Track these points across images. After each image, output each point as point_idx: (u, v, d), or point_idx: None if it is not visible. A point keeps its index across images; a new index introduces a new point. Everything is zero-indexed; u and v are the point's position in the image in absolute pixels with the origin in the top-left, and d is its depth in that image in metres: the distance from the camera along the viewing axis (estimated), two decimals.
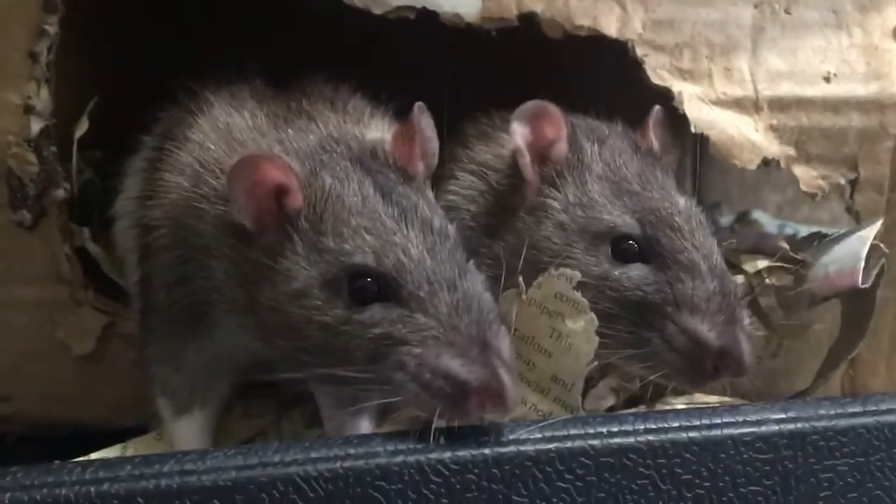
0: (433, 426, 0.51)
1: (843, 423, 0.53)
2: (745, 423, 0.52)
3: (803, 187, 0.71)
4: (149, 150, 0.68)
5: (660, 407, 0.64)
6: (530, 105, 0.65)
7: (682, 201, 0.65)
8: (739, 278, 0.70)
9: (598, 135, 0.69)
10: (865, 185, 0.71)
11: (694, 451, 0.52)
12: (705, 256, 0.63)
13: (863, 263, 0.65)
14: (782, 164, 0.71)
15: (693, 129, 0.70)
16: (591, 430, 0.52)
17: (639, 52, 0.70)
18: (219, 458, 0.50)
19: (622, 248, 0.63)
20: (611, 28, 0.70)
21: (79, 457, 0.57)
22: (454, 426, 0.52)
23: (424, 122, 0.60)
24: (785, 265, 0.71)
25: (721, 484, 0.52)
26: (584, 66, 0.76)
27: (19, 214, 0.70)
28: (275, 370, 0.57)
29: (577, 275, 0.59)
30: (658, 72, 0.71)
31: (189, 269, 0.60)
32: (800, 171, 0.71)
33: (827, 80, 0.71)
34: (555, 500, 0.51)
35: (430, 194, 0.60)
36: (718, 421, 0.52)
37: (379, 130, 0.63)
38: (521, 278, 0.60)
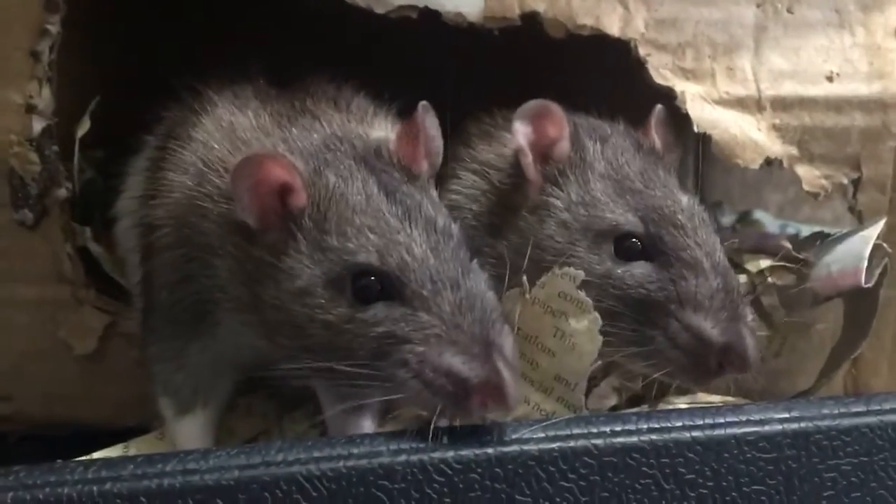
0: (435, 424, 0.51)
1: (846, 422, 0.53)
2: (748, 423, 0.52)
3: (806, 187, 0.71)
4: (151, 149, 0.68)
5: (662, 406, 0.64)
6: (532, 104, 0.65)
7: (684, 199, 0.65)
8: (742, 278, 0.70)
9: (601, 133, 0.69)
10: (868, 185, 0.71)
11: (697, 450, 0.51)
12: (708, 254, 0.63)
13: (866, 263, 0.65)
14: (785, 164, 0.71)
15: (696, 129, 0.70)
16: (595, 430, 0.52)
17: (641, 51, 0.71)
18: (222, 458, 0.50)
19: (625, 247, 0.63)
20: (613, 27, 0.70)
21: (80, 456, 0.57)
22: (457, 425, 0.52)
23: (429, 122, 0.60)
24: (787, 265, 0.71)
25: (724, 483, 0.51)
26: (587, 65, 0.76)
27: (21, 214, 0.70)
28: (277, 368, 0.57)
29: (581, 274, 0.59)
30: (661, 71, 0.71)
31: (192, 267, 0.60)
32: (802, 170, 0.71)
33: (830, 79, 0.71)
34: (558, 499, 0.50)
35: (434, 193, 0.60)
36: (722, 420, 0.52)
37: (382, 129, 0.63)
38: (524, 278, 0.60)
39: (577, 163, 0.67)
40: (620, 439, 0.51)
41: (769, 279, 0.70)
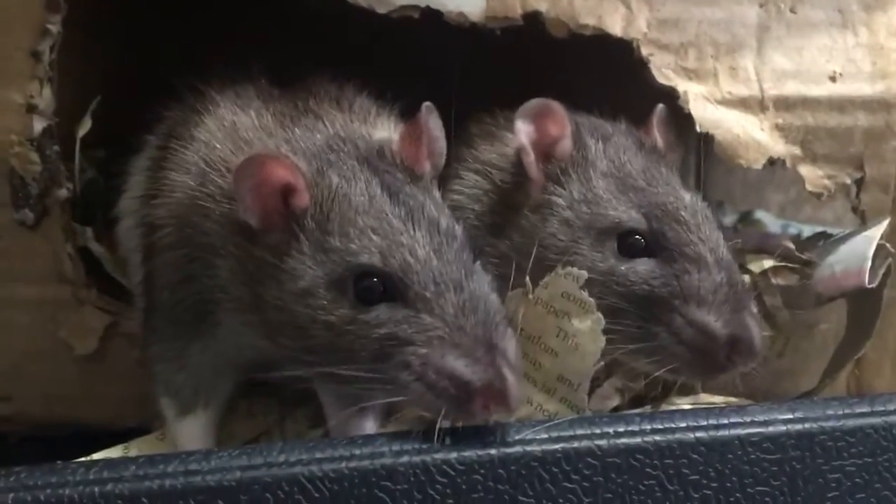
0: (438, 426, 0.51)
1: (850, 423, 0.52)
2: (752, 424, 0.52)
3: (809, 187, 0.71)
4: (153, 149, 0.68)
5: (666, 407, 0.64)
6: (534, 103, 0.65)
7: (687, 196, 0.65)
8: (745, 278, 0.70)
9: (603, 132, 0.69)
10: (871, 185, 0.71)
11: (701, 451, 0.51)
12: (711, 249, 0.63)
13: (869, 263, 0.65)
14: (788, 164, 0.71)
15: (698, 129, 0.70)
16: (598, 431, 0.52)
17: (644, 51, 0.70)
18: (223, 459, 0.50)
19: (628, 243, 0.63)
20: (615, 27, 0.70)
21: (81, 457, 0.56)
22: (460, 426, 0.52)
23: (432, 122, 0.60)
24: (790, 265, 0.71)
25: (728, 484, 0.51)
26: (589, 65, 0.76)
27: (22, 213, 0.70)
28: (278, 369, 0.56)
29: (584, 274, 0.59)
30: (663, 71, 0.71)
31: (194, 267, 0.60)
32: (805, 170, 0.71)
33: (833, 79, 0.71)
34: (561, 500, 0.50)
35: (437, 194, 0.60)
36: (726, 421, 0.52)
37: (385, 130, 0.63)
38: (527, 278, 0.60)
39: (579, 161, 0.67)
40: (624, 440, 0.51)
41: (772, 280, 0.70)
